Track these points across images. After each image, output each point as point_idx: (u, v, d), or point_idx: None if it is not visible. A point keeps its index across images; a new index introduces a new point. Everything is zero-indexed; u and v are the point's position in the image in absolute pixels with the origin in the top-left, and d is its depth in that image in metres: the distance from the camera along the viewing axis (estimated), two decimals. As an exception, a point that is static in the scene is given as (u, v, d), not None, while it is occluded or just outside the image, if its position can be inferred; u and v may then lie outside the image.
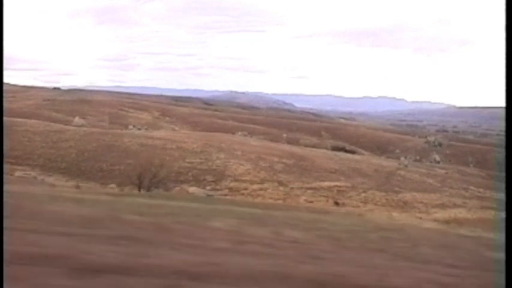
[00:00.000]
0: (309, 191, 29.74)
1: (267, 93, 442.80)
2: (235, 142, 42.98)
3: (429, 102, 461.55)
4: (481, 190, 35.33)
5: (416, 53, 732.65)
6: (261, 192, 28.92)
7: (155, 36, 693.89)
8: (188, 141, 39.82)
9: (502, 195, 33.50)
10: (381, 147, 79.37)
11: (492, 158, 74.94)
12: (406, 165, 51.08)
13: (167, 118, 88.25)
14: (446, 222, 20.02)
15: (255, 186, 30.00)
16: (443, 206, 29.14)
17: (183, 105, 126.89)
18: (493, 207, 29.14)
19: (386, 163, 48.41)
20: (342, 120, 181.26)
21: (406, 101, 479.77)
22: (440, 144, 77.26)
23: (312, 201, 27.77)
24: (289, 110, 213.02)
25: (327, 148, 73.43)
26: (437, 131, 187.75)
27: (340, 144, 78.36)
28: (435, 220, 21.50)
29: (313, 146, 72.85)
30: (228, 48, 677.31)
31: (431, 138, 78.99)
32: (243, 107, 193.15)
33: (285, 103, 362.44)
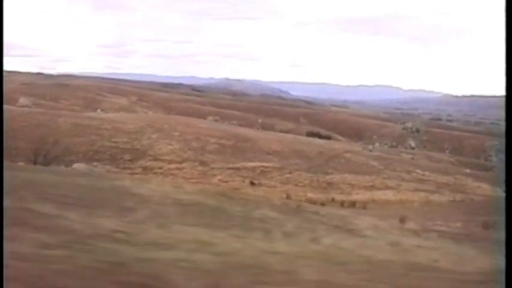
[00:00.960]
0: (229, 171, 28.59)
1: (263, 81, 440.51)
2: (182, 124, 41.74)
3: (425, 91, 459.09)
4: (427, 173, 34.06)
5: (413, 41, 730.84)
6: (175, 172, 27.79)
7: (152, 23, 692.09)
8: (128, 122, 38.57)
9: (449, 178, 32.07)
10: (358, 134, 78.17)
11: (469, 145, 73.81)
12: (370, 150, 49.87)
13: (144, 103, 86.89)
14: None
15: (172, 166, 28.84)
16: (371, 188, 27.98)
17: (168, 91, 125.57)
18: (428, 189, 27.95)
19: (349, 147, 47.19)
20: (333, 108, 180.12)
21: (402, 90, 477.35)
22: (417, 131, 75.94)
23: (226, 181, 26.66)
24: (281, 97, 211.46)
25: (301, 133, 72.25)
26: (431, 119, 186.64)
27: (317, 130, 77.06)
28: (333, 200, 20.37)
29: (288, 131, 71.55)
30: (225, 36, 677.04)
31: (409, 125, 77.62)
32: (235, 94, 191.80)
33: (280, 91, 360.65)
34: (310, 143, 41.29)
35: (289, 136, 50.08)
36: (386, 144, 74.07)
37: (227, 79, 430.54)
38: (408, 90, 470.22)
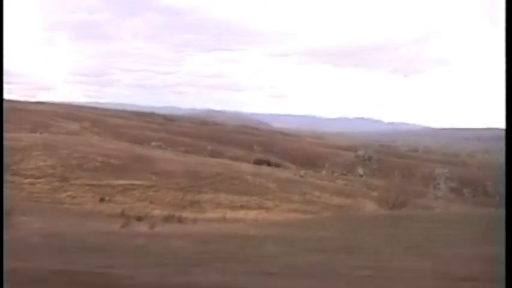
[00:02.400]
0: (85, 188, 26.82)
1: (244, 112, 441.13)
2: (85, 144, 40.02)
3: (406, 123, 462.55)
4: (326, 196, 32.39)
5: (393, 73, 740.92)
6: (25, 186, 26.00)
7: (135, 52, 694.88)
8: (27, 141, 36.80)
9: (348, 201, 30.46)
10: (311, 161, 76.68)
11: (419, 173, 72.69)
12: (301, 176, 48.33)
13: (95, 128, 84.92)
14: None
15: (26, 180, 26.99)
16: (239, 207, 26.28)
17: (130, 118, 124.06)
18: (307, 210, 26.34)
19: (258, 170, 45.65)
20: (309, 139, 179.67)
21: (383, 122, 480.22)
22: (369, 159, 74.68)
23: (74, 197, 25.00)
24: (256, 128, 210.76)
25: (249, 161, 70.71)
26: (407, 151, 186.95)
27: (266, 157, 75.55)
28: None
29: (236, 159, 70.14)
30: (208, 67, 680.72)
31: (361, 153, 76.42)
32: (210, 124, 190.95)
33: (260, 122, 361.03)
34: (215, 165, 39.65)
35: (200, 158, 48.51)
36: (336, 172, 72.80)
37: (208, 110, 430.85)
38: (389, 123, 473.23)
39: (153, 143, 67.24)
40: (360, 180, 54.24)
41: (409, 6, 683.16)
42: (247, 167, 45.75)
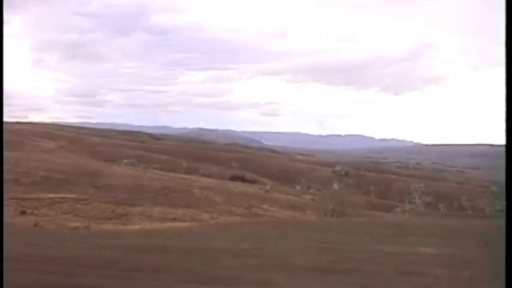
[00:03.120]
0: (12, 201, 26.11)
1: (236, 131, 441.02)
2: (38, 160, 39.42)
3: (397, 140, 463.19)
4: (274, 209, 31.75)
5: (384, 91, 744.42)
6: None
7: (126, 72, 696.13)
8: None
9: (293, 213, 29.84)
10: (288, 177, 76.18)
11: (396, 187, 72.30)
12: (267, 191, 47.72)
13: (72, 147, 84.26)
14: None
15: None
16: (171, 220, 25.52)
17: (116, 137, 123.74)
18: (240, 221, 25.60)
19: (245, 188, 45.05)
20: (299, 156, 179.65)
21: (374, 139, 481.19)
22: (346, 174, 73.86)
23: None
24: (245, 146, 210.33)
25: (224, 177, 70.16)
26: (398, 167, 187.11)
27: (242, 173, 75.00)
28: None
29: (210, 175, 69.60)
30: (199, 85, 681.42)
31: (338, 168, 75.61)
32: (194, 142, 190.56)
33: (253, 140, 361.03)
34: (167, 180, 39.10)
35: (159, 174, 47.96)
36: (312, 187, 72.38)
37: (200, 129, 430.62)
38: (380, 140, 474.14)
39: (125, 160, 66.48)
40: (329, 194, 53.61)
41: (396, 23, 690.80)
42: (205, 182, 45.26)
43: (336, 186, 69.68)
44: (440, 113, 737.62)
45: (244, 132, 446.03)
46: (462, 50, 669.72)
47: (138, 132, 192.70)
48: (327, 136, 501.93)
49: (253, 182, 71.39)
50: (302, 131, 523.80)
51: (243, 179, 70.85)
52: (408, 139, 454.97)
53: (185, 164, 74.33)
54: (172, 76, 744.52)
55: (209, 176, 67.45)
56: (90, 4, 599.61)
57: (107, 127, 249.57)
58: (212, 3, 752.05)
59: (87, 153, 76.33)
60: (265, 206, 31.67)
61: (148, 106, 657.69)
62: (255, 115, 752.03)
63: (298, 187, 66.94)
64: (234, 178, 71.09)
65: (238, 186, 45.55)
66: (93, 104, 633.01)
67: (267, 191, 46.37)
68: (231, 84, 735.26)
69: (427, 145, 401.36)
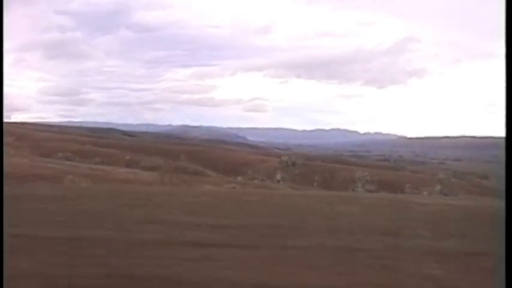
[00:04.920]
0: None
1: (220, 127, 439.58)
2: None
3: (381, 133, 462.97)
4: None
5: (367, 85, 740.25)
6: None
7: (108, 70, 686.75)
8: None
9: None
10: (235, 169, 74.53)
11: (341, 177, 71.08)
12: (184, 180, 46.16)
13: (17, 143, 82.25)
14: None
15: None
16: None
17: (74, 133, 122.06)
18: None
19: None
20: (276, 150, 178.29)
21: (358, 133, 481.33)
22: (293, 164, 72.66)
23: None
24: (224, 142, 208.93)
25: (168, 170, 68.81)
26: (379, 160, 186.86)
27: (190, 166, 73.56)
28: None
29: (153, 167, 68.30)
30: (183, 82, 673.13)
31: (285, 159, 74.41)
32: (175, 138, 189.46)
33: (237, 136, 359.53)
34: (62, 170, 37.79)
35: (64, 166, 46.38)
36: (257, 178, 70.94)
37: (184, 126, 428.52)
38: (364, 134, 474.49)
39: (60, 154, 64.85)
40: (259, 184, 52.22)
41: (378, 17, 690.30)
42: (123, 173, 43.79)
43: (278, 176, 68.54)
44: (424, 106, 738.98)
45: (228, 128, 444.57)
46: (444, 44, 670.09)
47: (111, 129, 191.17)
48: (311, 131, 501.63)
49: (195, 174, 69.91)
50: (286, 126, 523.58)
51: (185, 171, 69.39)
52: (392, 132, 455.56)
53: (128, 157, 72.78)
54: (155, 74, 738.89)
55: (149, 168, 65.97)
56: (71, 2, 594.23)
57: (91, 126, 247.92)
58: (194, 0, 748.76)
59: (29, 149, 74.60)
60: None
61: (132, 104, 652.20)
62: (239, 111, 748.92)
63: (239, 178, 65.30)
64: (175, 170, 69.61)
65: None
66: (76, 103, 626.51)
67: (184, 181, 44.80)
68: (214, 80, 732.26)
69: (410, 138, 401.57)
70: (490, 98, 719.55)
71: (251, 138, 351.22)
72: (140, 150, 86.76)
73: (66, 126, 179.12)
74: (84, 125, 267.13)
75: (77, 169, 42.82)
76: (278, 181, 67.77)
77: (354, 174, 69.98)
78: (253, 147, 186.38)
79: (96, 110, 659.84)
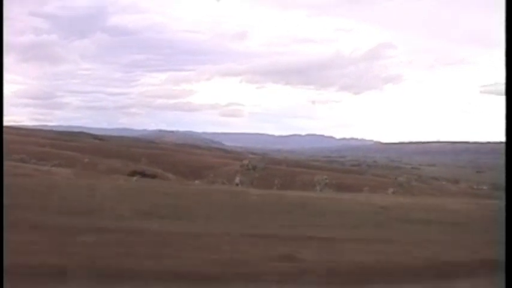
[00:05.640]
0: None
1: (197, 132, 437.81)
2: None
3: (357, 139, 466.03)
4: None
5: (343, 90, 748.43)
6: None
7: (84, 74, 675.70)
8: None
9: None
10: (196, 172, 74.09)
11: (300, 180, 71.19)
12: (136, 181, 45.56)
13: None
14: None
15: None
16: None
17: (39, 136, 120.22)
18: None
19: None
20: (251, 155, 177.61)
21: (334, 139, 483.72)
22: (254, 168, 72.42)
23: None
24: (196, 146, 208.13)
25: (125, 172, 68.14)
26: (353, 165, 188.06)
27: (149, 169, 72.95)
28: None
29: (110, 170, 67.62)
30: (159, 87, 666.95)
31: (246, 162, 74.20)
32: (145, 142, 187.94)
33: (213, 141, 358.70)
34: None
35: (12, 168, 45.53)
36: (217, 181, 70.35)
37: (160, 130, 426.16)
38: (340, 139, 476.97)
39: (15, 156, 63.52)
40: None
41: (354, 24, 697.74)
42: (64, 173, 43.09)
43: (237, 179, 68.28)
44: (400, 112, 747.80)
45: (204, 133, 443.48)
46: (418, 50, 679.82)
47: (81, 133, 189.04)
48: (288, 136, 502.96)
49: (153, 176, 69.28)
50: (263, 132, 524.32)
51: (143, 174, 68.71)
52: (368, 138, 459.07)
53: (86, 160, 71.76)
54: (131, 78, 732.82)
55: (103, 171, 65.28)
56: (46, 5, 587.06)
57: (65, 129, 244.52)
58: (171, 5, 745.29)
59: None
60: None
61: (108, 108, 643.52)
62: (215, 116, 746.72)
63: (197, 181, 64.77)
64: (133, 173, 68.84)
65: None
66: (50, 107, 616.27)
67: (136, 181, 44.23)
68: (191, 85, 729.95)
69: (386, 143, 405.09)
70: (463, 103, 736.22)
71: (227, 143, 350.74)
72: (102, 154, 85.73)
73: (35, 130, 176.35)
74: (57, 128, 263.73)
75: (18, 170, 41.88)
76: (237, 184, 67.34)
77: (314, 178, 70.23)
78: (228, 151, 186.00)
79: (71, 114, 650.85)
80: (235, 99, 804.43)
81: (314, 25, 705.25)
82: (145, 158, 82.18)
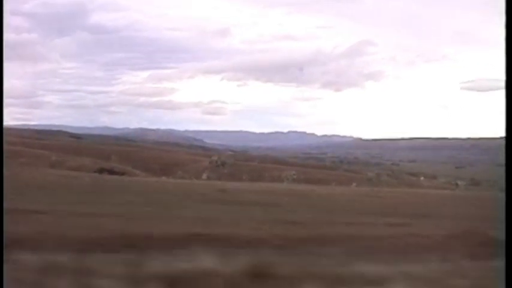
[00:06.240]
0: None
1: (178, 130, 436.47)
2: None
3: (338, 135, 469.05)
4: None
5: (325, 87, 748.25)
6: None
7: (65, 72, 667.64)
8: None
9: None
10: (166, 169, 74.27)
11: (269, 176, 71.84)
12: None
13: None
14: None
15: None
16: None
17: (12, 134, 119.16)
18: None
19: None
20: (229, 152, 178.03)
21: (315, 135, 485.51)
22: (223, 164, 73.05)
23: None
24: (176, 144, 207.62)
25: (92, 169, 68.11)
26: (333, 162, 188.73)
27: (117, 166, 72.95)
28: None
29: (77, 167, 67.55)
30: (141, 85, 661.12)
31: (215, 158, 74.83)
32: (124, 140, 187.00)
33: (195, 139, 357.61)
34: None
35: None
36: (185, 177, 70.90)
37: (142, 129, 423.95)
38: (322, 136, 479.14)
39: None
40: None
41: (336, 21, 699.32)
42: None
43: (205, 175, 68.72)
44: (380, 108, 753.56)
45: (186, 131, 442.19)
46: (399, 47, 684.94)
47: (59, 131, 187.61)
48: (270, 134, 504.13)
49: (122, 174, 69.34)
50: (245, 129, 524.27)
51: (111, 171, 68.71)
52: (349, 134, 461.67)
53: (54, 158, 71.70)
54: (113, 76, 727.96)
55: (73, 168, 65.18)
56: (26, 3, 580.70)
57: (46, 128, 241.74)
58: (152, 2, 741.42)
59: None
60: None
61: (89, 107, 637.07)
62: (197, 114, 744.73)
63: (163, 177, 65.06)
64: (101, 170, 68.82)
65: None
66: (31, 106, 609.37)
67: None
68: (173, 83, 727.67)
69: (367, 140, 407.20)
70: (443, 99, 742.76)
71: (209, 141, 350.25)
72: (74, 152, 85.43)
73: (12, 129, 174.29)
74: (37, 127, 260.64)
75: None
76: (204, 179, 67.93)
77: (282, 174, 71.07)
78: (207, 149, 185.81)
79: (52, 112, 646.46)
80: (217, 97, 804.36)
81: (295, 22, 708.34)
82: (117, 155, 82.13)
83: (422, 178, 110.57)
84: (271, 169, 77.66)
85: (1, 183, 5.89)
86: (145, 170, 74.18)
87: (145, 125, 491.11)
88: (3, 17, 5.77)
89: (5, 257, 3.60)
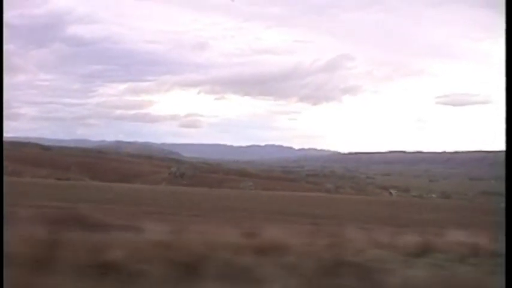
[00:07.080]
0: None
1: (155, 143, 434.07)
2: None
3: (316, 149, 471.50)
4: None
5: (302, 101, 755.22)
6: None
7: (41, 84, 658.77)
8: None
9: None
10: (125, 179, 74.29)
11: (227, 186, 72.34)
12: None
13: None
14: None
15: None
16: None
17: None
18: None
19: None
20: (205, 166, 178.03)
21: (293, 149, 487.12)
22: (182, 175, 73.44)
23: None
24: (150, 157, 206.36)
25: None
26: (308, 175, 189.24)
27: (75, 177, 72.65)
28: None
29: (32, 178, 67.31)
30: (118, 97, 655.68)
31: (174, 169, 75.18)
32: (96, 152, 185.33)
33: (171, 152, 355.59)
34: None
35: None
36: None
37: (118, 141, 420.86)
38: (299, 149, 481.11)
39: None
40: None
41: (314, 36, 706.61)
42: None
43: (162, 186, 68.94)
44: (358, 122, 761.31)
45: (163, 144, 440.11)
46: (377, 62, 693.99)
47: (28, 143, 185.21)
48: (247, 147, 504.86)
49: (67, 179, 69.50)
50: (222, 142, 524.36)
51: (59, 179, 68.86)
52: (326, 148, 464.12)
53: (10, 168, 70.92)
54: (90, 88, 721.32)
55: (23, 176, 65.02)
56: (4, 14, 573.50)
57: (21, 141, 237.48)
58: (130, 15, 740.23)
59: None
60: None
61: (65, 119, 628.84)
62: (174, 127, 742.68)
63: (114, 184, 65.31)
64: (58, 180, 68.77)
65: None
66: (7, 118, 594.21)
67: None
68: (150, 96, 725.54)
69: (344, 154, 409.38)
70: (419, 113, 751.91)
71: (185, 154, 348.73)
72: (35, 163, 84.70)
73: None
74: (12, 140, 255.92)
75: None
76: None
77: (239, 183, 71.48)
78: (181, 162, 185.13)
79: (27, 125, 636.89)
80: (194, 110, 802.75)
81: (274, 36, 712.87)
82: (78, 166, 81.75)
83: (393, 191, 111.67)
84: (232, 180, 78.19)
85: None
86: (101, 180, 73.88)
87: (122, 137, 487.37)
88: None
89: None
